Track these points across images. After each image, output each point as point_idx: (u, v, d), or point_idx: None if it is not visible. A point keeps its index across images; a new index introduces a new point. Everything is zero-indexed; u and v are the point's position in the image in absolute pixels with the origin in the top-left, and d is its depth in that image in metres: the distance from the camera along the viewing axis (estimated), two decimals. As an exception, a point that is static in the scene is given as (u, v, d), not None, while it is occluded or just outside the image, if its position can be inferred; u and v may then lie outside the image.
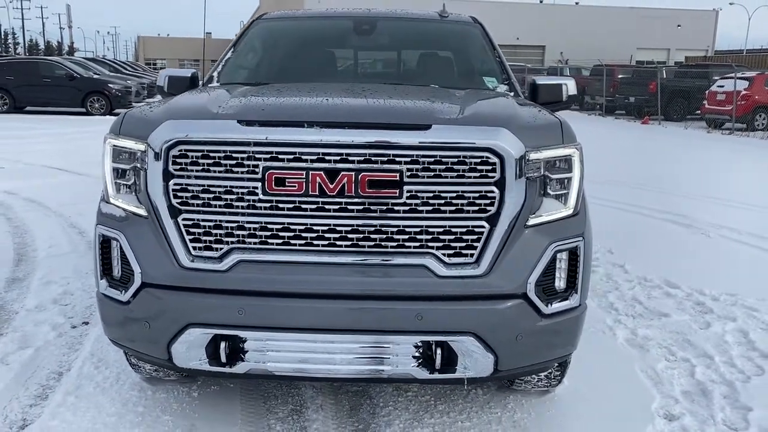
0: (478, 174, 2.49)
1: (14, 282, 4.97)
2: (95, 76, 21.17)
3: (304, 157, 2.45)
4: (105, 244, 2.74)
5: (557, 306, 2.67)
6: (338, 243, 2.51)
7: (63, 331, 4.00)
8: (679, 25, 57.49)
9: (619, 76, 25.46)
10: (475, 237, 2.53)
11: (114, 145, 2.73)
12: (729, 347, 3.98)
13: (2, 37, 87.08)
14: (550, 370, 3.15)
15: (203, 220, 2.53)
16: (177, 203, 2.54)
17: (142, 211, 2.64)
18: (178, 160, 2.52)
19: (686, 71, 24.74)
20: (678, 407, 3.25)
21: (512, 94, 3.72)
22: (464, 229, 2.52)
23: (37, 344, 3.82)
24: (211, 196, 2.51)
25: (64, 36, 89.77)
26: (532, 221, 2.62)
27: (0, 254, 5.62)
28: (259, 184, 2.47)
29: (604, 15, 57.25)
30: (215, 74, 3.96)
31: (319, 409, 3.15)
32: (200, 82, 3.98)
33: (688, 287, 5.06)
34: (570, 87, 4.06)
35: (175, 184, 2.53)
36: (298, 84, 3.50)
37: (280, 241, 2.52)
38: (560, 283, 2.69)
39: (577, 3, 64.39)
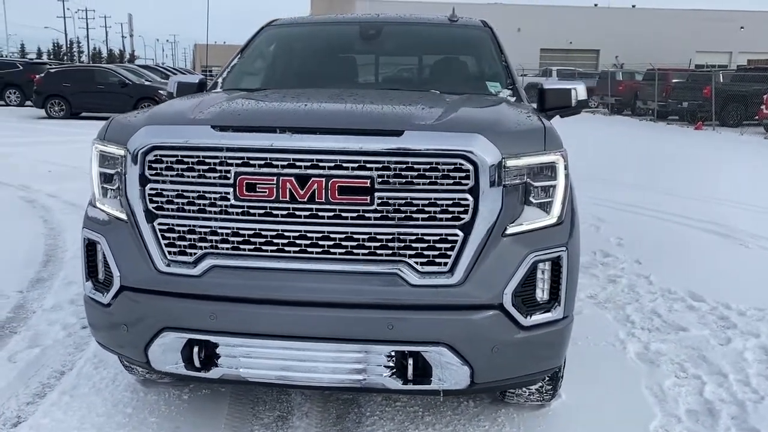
0: (451, 181, 2.43)
1: (38, 282, 5.13)
2: (146, 83, 21.80)
3: (275, 162, 2.44)
4: (90, 247, 2.80)
5: (538, 318, 2.58)
6: (309, 250, 2.49)
7: (72, 332, 4.10)
8: (742, 27, 55.43)
9: (674, 81, 24.71)
10: (448, 245, 2.46)
11: (100, 151, 2.78)
12: (747, 365, 3.78)
13: (68, 45, 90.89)
14: (540, 384, 3.05)
15: (178, 225, 2.55)
16: (153, 208, 2.56)
17: (123, 215, 2.67)
18: (154, 165, 2.54)
19: (743, 74, 23.78)
20: (679, 427, 3.10)
21: (514, 99, 3.63)
22: (437, 237, 2.46)
23: (46, 343, 3.93)
24: (185, 201, 2.53)
25: (126, 44, 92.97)
26: (511, 230, 2.54)
27: (30, 255, 5.82)
28: (231, 190, 2.47)
29: (662, 18, 55.70)
30: (219, 80, 4.01)
31: (304, 416, 3.13)
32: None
33: (714, 300, 4.84)
34: (579, 92, 3.95)
35: (151, 189, 2.55)
36: (291, 90, 3.50)
37: (251, 247, 2.51)
38: (542, 294, 2.60)
39: (633, 6, 62.85)
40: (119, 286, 2.63)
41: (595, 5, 63.66)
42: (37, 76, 21.68)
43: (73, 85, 20.77)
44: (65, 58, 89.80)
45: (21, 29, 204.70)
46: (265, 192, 2.45)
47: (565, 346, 2.75)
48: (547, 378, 3.02)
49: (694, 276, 5.44)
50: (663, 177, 10.85)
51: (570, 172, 2.76)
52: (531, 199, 2.59)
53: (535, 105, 3.90)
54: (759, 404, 3.31)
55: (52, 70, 22.16)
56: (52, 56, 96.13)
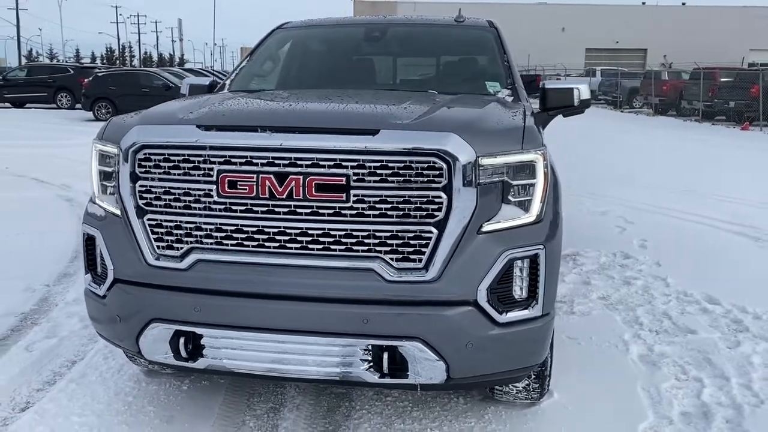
0: (425, 179, 2.47)
1: (65, 276, 5.36)
2: (189, 86, 22.31)
3: (255, 160, 2.53)
4: (89, 241, 2.94)
5: (514, 315, 2.60)
6: (288, 245, 2.57)
7: (88, 324, 4.22)
8: (798, 24, 53.43)
9: (721, 80, 24.01)
10: (423, 242, 2.51)
11: (99, 150, 2.92)
12: (752, 369, 3.70)
13: (120, 50, 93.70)
14: (527, 382, 3.06)
15: (166, 221, 2.66)
16: (143, 204, 2.68)
17: (117, 211, 2.80)
18: (143, 163, 2.66)
19: (795, 73, 22.94)
20: (669, 429, 3.07)
21: (511, 99, 3.64)
22: (412, 234, 2.50)
23: (62, 334, 4.12)
24: (172, 197, 2.63)
25: (176, 48, 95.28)
26: (487, 227, 2.57)
27: (61, 251, 6.07)
28: (214, 187, 2.57)
29: (713, 15, 54.19)
30: (228, 82, 4.13)
31: (295, 408, 3.22)
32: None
33: (730, 303, 4.75)
34: (582, 91, 3.93)
35: (141, 186, 2.67)
36: (288, 91, 3.59)
37: (234, 242, 2.61)
38: (519, 291, 2.62)
39: (683, 3, 61.26)
40: (113, 278, 2.76)
41: (643, 3, 62.43)
42: (86, 80, 22.45)
43: (118, 88, 21.45)
44: (117, 62, 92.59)
45: (77, 34, 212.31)
46: (246, 189, 2.53)
47: (544, 344, 2.75)
48: (532, 376, 3.03)
49: (716, 279, 5.33)
50: (700, 179, 10.58)
51: (551, 171, 2.78)
52: (509, 197, 2.62)
53: (536, 105, 3.91)
54: (757, 408, 3.25)
55: (100, 74, 22.93)
56: (105, 61, 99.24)
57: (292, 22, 4.67)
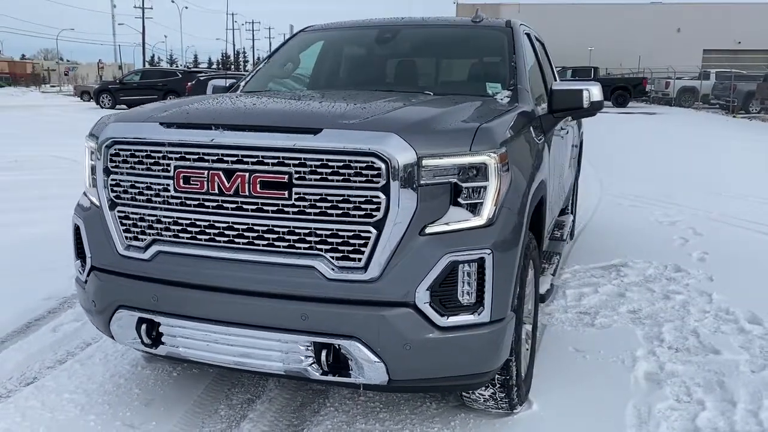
0: (364, 179, 2.47)
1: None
2: (284, 89, 23.17)
3: (206, 157, 2.62)
4: (76, 230, 3.15)
5: (457, 320, 2.54)
6: (236, 240, 2.64)
7: (114, 309, 4.56)
8: None
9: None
10: (362, 242, 2.50)
11: (86, 144, 3.13)
12: (768, 395, 3.40)
13: (234, 55, 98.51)
14: (492, 391, 2.97)
15: (132, 213, 2.81)
16: (114, 197, 2.85)
17: (98, 203, 2.99)
18: (114, 158, 2.83)
19: None
20: (644, 451, 2.88)
21: (508, 100, 3.53)
22: (352, 234, 2.51)
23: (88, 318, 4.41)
24: (137, 191, 2.78)
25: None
26: (430, 229, 2.53)
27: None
28: (172, 182, 2.69)
29: None
30: (242, 83, 4.28)
31: (269, 401, 3.29)
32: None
33: (774, 325, 4.36)
34: (593, 93, 3.76)
35: (112, 180, 2.84)
36: (281, 91, 3.67)
37: (188, 235, 2.71)
38: (466, 296, 2.55)
39: (818, -1, 56.39)
40: (90, 266, 2.95)
41: (769, 1, 57.95)
42: (189, 84, 23.79)
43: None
44: (231, 67, 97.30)
45: (197, 41, 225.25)
46: (198, 185, 2.64)
47: (496, 352, 2.66)
48: (497, 385, 2.94)
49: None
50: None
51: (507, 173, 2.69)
52: (459, 199, 2.56)
53: (539, 106, 3.78)
54: (755, 437, 2.98)
55: (201, 78, 24.21)
56: (220, 66, 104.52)
57: (314, 25, 4.76)
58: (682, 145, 16.36)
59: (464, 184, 2.56)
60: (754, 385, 3.50)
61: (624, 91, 34.25)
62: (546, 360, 3.78)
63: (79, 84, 51.35)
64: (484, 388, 2.98)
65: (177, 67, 71.33)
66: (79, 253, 3.15)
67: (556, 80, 5.21)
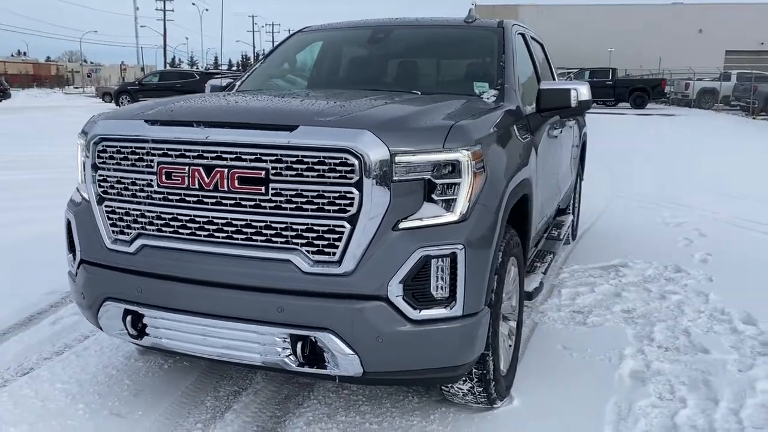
0: (337, 174, 2.53)
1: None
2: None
3: (187, 153, 2.70)
4: (68, 224, 3.24)
5: (429, 313, 2.58)
6: (216, 234, 2.71)
7: (114, 304, 4.67)
8: None
9: None
10: (336, 236, 2.56)
11: (78, 141, 3.23)
12: (752, 394, 3.39)
13: (255, 56, 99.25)
14: (470, 385, 3.01)
15: (118, 208, 2.90)
16: (101, 192, 2.94)
17: (87, 198, 3.08)
18: (101, 155, 2.92)
19: None
20: (620, 447, 2.90)
21: (493, 99, 3.57)
22: (326, 228, 2.57)
23: (88, 312, 4.52)
24: (123, 186, 2.87)
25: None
26: (403, 224, 2.58)
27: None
28: (155, 177, 2.77)
29: None
30: (237, 83, 4.36)
31: (254, 393, 3.36)
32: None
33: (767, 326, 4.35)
34: (581, 92, 3.79)
35: (100, 175, 2.93)
36: (270, 90, 3.75)
37: (171, 229, 2.79)
38: (439, 290, 2.60)
39: None
40: (80, 259, 3.05)
41: (794, 1, 57.04)
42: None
43: (235, 92, 22.80)
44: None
45: (217, 43, 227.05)
46: (179, 180, 2.71)
47: (469, 345, 2.70)
48: (474, 379, 2.98)
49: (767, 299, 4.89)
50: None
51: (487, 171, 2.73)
52: (433, 195, 2.61)
53: (529, 105, 3.81)
54: (733, 435, 2.99)
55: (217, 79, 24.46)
56: (240, 67, 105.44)
57: (311, 26, 4.83)
58: (695, 145, 16.20)
59: (438, 181, 2.61)
60: (740, 384, 3.50)
61: (642, 92, 33.97)
62: (532, 357, 3.81)
63: (101, 85, 52.17)
64: (462, 382, 3.02)
65: (197, 68, 72.11)
66: (71, 247, 3.25)
67: (555, 80, 5.23)
